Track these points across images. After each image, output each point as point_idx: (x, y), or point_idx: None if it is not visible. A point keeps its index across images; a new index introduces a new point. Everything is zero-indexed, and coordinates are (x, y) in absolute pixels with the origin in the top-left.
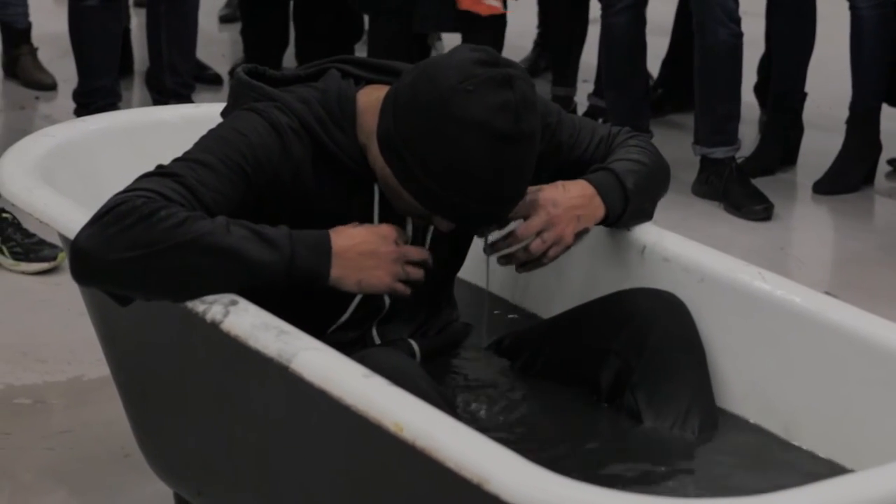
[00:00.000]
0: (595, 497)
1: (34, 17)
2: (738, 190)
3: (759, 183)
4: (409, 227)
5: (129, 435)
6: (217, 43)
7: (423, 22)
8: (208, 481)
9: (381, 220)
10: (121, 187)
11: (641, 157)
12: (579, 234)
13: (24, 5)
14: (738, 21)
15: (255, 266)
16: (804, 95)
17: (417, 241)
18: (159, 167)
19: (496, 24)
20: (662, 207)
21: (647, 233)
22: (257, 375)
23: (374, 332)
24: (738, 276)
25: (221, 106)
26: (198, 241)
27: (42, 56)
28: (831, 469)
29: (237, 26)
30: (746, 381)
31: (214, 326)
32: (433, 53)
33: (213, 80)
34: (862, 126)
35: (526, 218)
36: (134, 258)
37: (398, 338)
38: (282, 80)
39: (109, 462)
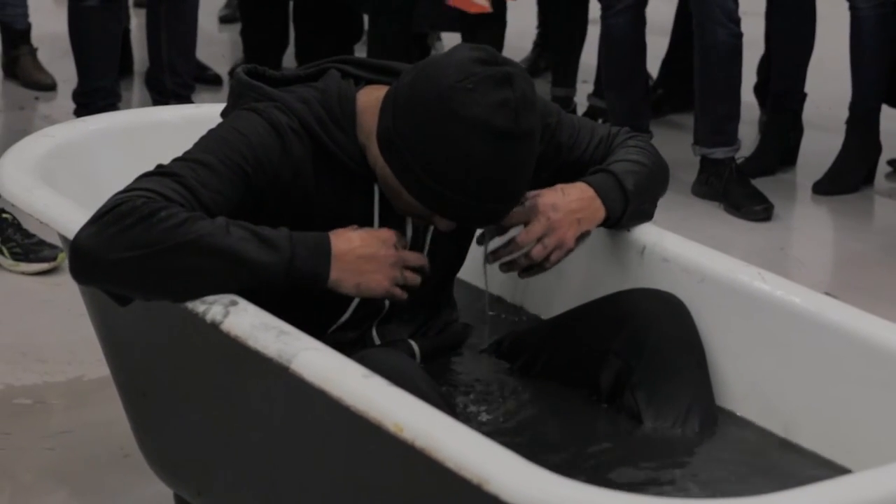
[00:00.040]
0: (595, 497)
1: (34, 17)
2: (738, 190)
3: (759, 183)
4: (409, 228)
5: (129, 435)
6: (217, 43)
7: (423, 22)
8: (208, 482)
9: (382, 220)
10: (120, 188)
11: (641, 157)
12: (581, 238)
13: (24, 6)
14: (737, 21)
15: (255, 267)
16: (804, 96)
17: (417, 241)
18: (159, 167)
19: (496, 24)
20: (662, 208)
21: (647, 233)
22: (257, 376)
23: (374, 333)
24: (738, 276)
25: (221, 106)
26: (197, 241)
27: (42, 56)
28: (831, 469)
29: (237, 27)
30: (746, 382)
31: (214, 327)
32: (433, 53)
33: (212, 81)
34: (862, 126)
35: (526, 224)
36: (133, 258)
37: (398, 338)
38: (282, 80)
39: (109, 462)
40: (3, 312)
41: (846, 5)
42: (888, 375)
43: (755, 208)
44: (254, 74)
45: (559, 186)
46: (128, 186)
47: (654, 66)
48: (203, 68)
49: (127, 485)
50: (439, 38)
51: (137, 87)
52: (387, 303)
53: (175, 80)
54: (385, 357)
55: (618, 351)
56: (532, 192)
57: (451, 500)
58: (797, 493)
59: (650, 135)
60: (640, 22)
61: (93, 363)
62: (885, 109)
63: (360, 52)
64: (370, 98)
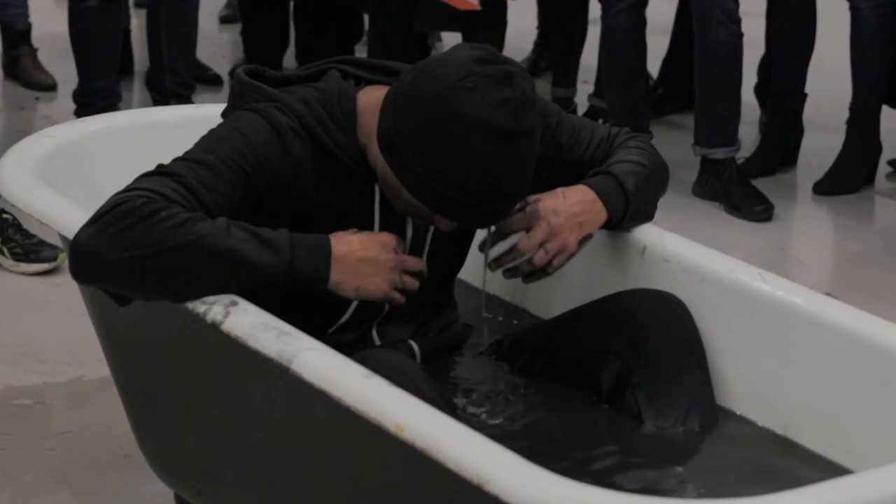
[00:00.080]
0: (595, 497)
1: (34, 17)
2: (739, 191)
3: (760, 184)
4: (409, 228)
5: (129, 436)
6: (217, 44)
7: (423, 21)
8: (208, 482)
9: (382, 221)
10: (121, 188)
11: (641, 158)
12: (583, 241)
13: (24, 6)
14: (738, 21)
15: (255, 268)
16: (804, 96)
17: (417, 241)
18: (160, 167)
19: (496, 24)
20: (662, 208)
21: (648, 234)
22: (258, 376)
23: (374, 333)
24: (739, 276)
25: (221, 106)
26: (198, 242)
27: (42, 57)
28: (831, 470)
29: (237, 27)
30: (746, 382)
31: (215, 327)
32: (433, 53)
33: (213, 81)
34: (862, 127)
35: (527, 230)
36: (133, 258)
37: (398, 339)
38: (282, 80)
39: (110, 463)
40: (3, 313)
41: (846, 5)
42: (888, 375)
43: (755, 208)
44: (254, 75)
45: (560, 190)
46: (128, 186)
47: (654, 66)
48: (203, 68)
49: (127, 485)
50: (439, 39)
51: (138, 88)
52: (386, 304)
53: (175, 81)
54: (385, 357)
55: (618, 351)
56: (533, 197)
57: (451, 500)
58: (797, 494)
59: (650, 135)
60: (640, 22)
61: (93, 363)
62: (886, 110)
63: (361, 52)
64: (370, 98)
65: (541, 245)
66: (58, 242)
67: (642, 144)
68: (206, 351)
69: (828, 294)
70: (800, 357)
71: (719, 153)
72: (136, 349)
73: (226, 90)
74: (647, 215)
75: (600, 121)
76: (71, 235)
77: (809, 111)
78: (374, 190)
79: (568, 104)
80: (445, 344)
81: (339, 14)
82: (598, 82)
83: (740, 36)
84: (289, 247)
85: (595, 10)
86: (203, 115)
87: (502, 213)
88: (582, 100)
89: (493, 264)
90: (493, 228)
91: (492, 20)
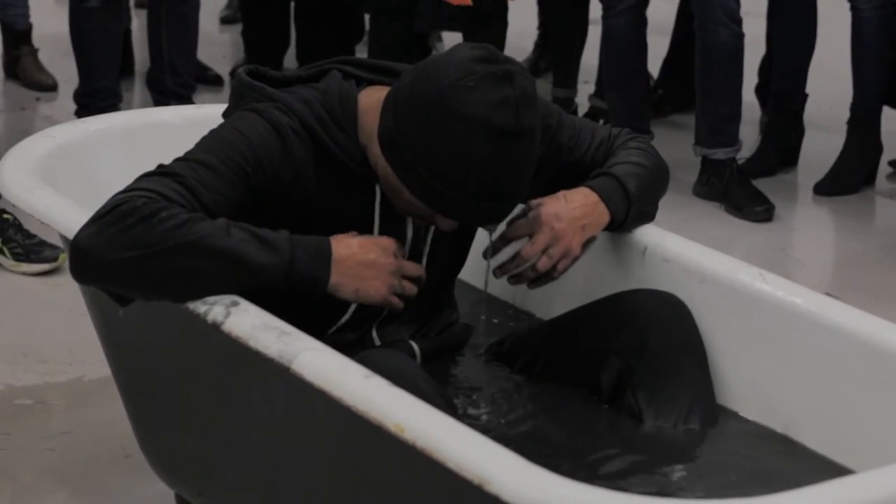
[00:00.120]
0: (595, 497)
1: (35, 17)
2: (739, 191)
3: (760, 184)
4: (410, 229)
5: (129, 435)
6: (218, 44)
7: (423, 21)
8: (209, 482)
9: (382, 221)
10: (121, 188)
11: (642, 159)
12: (586, 243)
13: (25, 6)
14: (739, 22)
15: (255, 269)
16: (805, 96)
17: (418, 242)
18: (160, 167)
19: (497, 24)
20: (663, 208)
21: (648, 234)
22: (258, 376)
23: (374, 334)
24: (739, 277)
25: (222, 107)
26: (198, 242)
27: (43, 57)
28: (832, 470)
29: (238, 27)
30: (747, 382)
31: (216, 327)
32: (434, 53)
33: (213, 81)
34: (863, 127)
35: (530, 236)
36: (133, 258)
37: (398, 339)
38: (283, 80)
39: (110, 463)
40: (3, 313)
41: (847, 6)
42: (889, 376)
43: (756, 209)
44: (255, 75)
45: (561, 193)
46: (128, 186)
47: (654, 66)
48: (204, 69)
49: (128, 485)
50: (440, 39)
51: (138, 88)
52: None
53: (176, 81)
54: (386, 357)
55: (619, 351)
56: (535, 202)
57: (451, 500)
58: (798, 494)
59: (651, 135)
60: (641, 22)
61: (93, 363)
62: (886, 110)
63: (361, 52)
64: (371, 99)
65: (544, 251)
66: (58, 243)
67: (643, 145)
68: (206, 351)
69: (828, 294)
70: (800, 357)
71: (720, 153)
72: (137, 349)
73: (226, 90)
74: (648, 216)
75: (601, 121)
76: (72, 235)
77: (810, 111)
78: (374, 190)
79: (569, 104)
80: (446, 344)
81: (340, 14)
82: (598, 83)
83: (741, 36)
84: (289, 248)
85: (595, 10)
86: (204, 116)
87: (503, 213)
88: (583, 100)
89: (497, 271)
90: (494, 234)
91: (492, 20)
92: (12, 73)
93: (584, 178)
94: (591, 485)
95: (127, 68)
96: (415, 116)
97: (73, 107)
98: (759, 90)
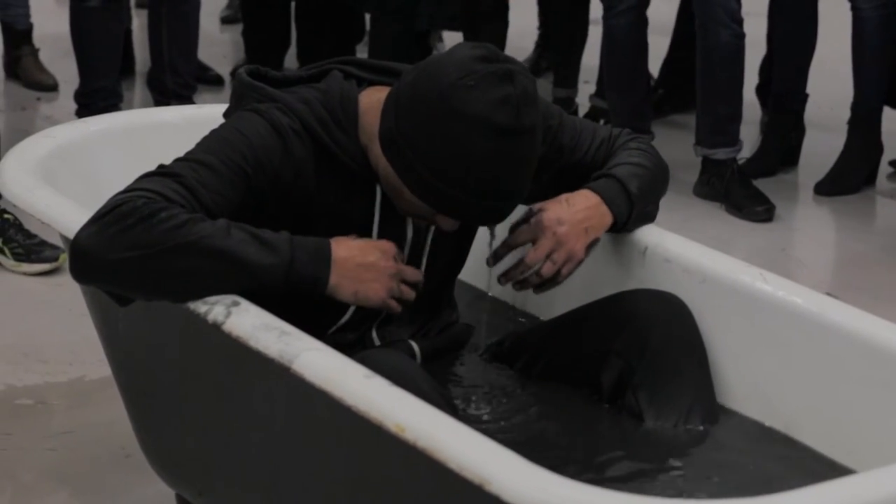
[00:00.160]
0: (596, 498)
1: (35, 17)
2: (740, 191)
3: (761, 184)
4: (410, 229)
5: (130, 435)
6: (218, 44)
7: (423, 20)
8: (209, 482)
9: (382, 222)
10: (122, 188)
11: (642, 160)
12: (590, 246)
13: (26, 6)
14: (740, 22)
15: (255, 269)
16: (805, 96)
17: (418, 242)
18: (160, 167)
19: (498, 23)
20: (664, 209)
21: (649, 234)
22: (259, 376)
23: (374, 334)
24: (740, 277)
25: (223, 107)
26: (197, 243)
27: (43, 57)
28: (833, 470)
29: (239, 27)
30: (748, 382)
31: (216, 327)
32: (434, 53)
33: (214, 81)
34: (863, 127)
35: (533, 242)
36: (133, 258)
37: (398, 339)
38: (284, 81)
39: (111, 462)
40: (4, 313)
41: (848, 6)
42: (889, 376)
43: (757, 209)
44: (256, 75)
45: (563, 197)
46: (129, 186)
47: (654, 66)
48: (204, 69)
49: (128, 485)
50: (441, 39)
51: (139, 88)
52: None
53: (176, 81)
54: (386, 358)
55: (619, 351)
56: (536, 207)
57: (452, 500)
58: (798, 494)
59: (652, 135)
60: (641, 22)
61: (94, 363)
62: (887, 110)
63: (362, 52)
64: (372, 99)
65: (548, 256)
66: (59, 242)
67: (643, 146)
68: (207, 351)
69: (829, 294)
70: (801, 357)
71: (721, 153)
72: (137, 349)
73: (227, 90)
74: (649, 216)
75: (601, 121)
76: (72, 235)
77: (811, 111)
78: (375, 191)
79: (569, 104)
80: (446, 344)
81: (341, 14)
82: (599, 82)
83: (742, 36)
84: (289, 248)
85: (596, 10)
86: (204, 116)
87: (504, 212)
88: (583, 100)
89: (502, 279)
90: (495, 242)
91: (493, 19)
92: (13, 73)
93: (584, 179)
94: (592, 485)
95: (127, 68)
96: (415, 115)
97: (73, 107)
98: (760, 90)
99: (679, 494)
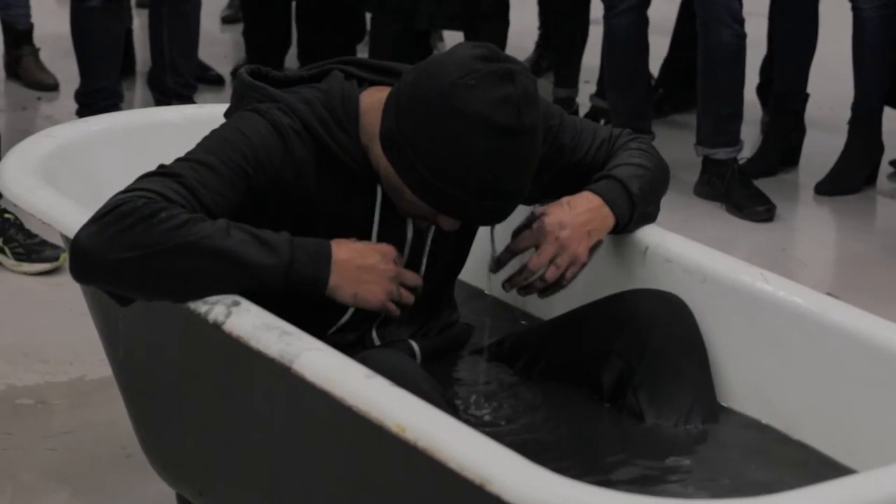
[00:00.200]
0: (597, 498)
1: (36, 17)
2: (740, 191)
3: (761, 184)
4: (410, 230)
5: (130, 435)
6: (219, 44)
7: (423, 19)
8: (210, 481)
9: (382, 222)
10: (122, 188)
11: (643, 160)
12: (593, 248)
13: (26, 6)
14: (741, 22)
15: (254, 269)
16: (806, 96)
17: (418, 242)
18: (161, 167)
19: (499, 23)
20: (664, 208)
21: (650, 234)
22: (259, 376)
23: (374, 334)
24: (740, 276)
25: (223, 107)
26: (197, 243)
27: (44, 56)
28: (833, 470)
29: (239, 27)
30: (748, 382)
31: (217, 327)
32: (435, 53)
33: (215, 81)
34: (864, 127)
35: (536, 247)
36: (133, 258)
37: (398, 339)
38: (285, 81)
39: (111, 462)
40: (5, 312)
41: (848, 6)
42: (890, 375)
43: (757, 209)
44: (257, 75)
45: (565, 200)
46: (129, 186)
47: (654, 65)
48: (205, 68)
49: (129, 484)
50: (441, 38)
51: (139, 88)
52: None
53: (177, 81)
54: (386, 358)
55: (620, 351)
56: (538, 211)
57: (453, 500)
58: (799, 494)
59: (652, 135)
60: (642, 22)
61: (94, 363)
62: (888, 110)
63: (363, 52)
64: (373, 99)
65: (551, 261)
66: (60, 242)
67: (644, 146)
68: (207, 351)
69: (829, 294)
70: (801, 357)
71: (722, 153)
72: (138, 349)
73: (228, 90)
74: (650, 217)
75: (602, 121)
76: (73, 235)
77: (811, 111)
78: (375, 191)
79: (570, 104)
80: (446, 344)
81: (341, 14)
82: (599, 82)
83: (744, 36)
84: (289, 249)
85: (596, 10)
86: (205, 116)
87: (504, 211)
88: (584, 100)
89: (506, 285)
90: (494, 234)
91: (493, 19)
92: (14, 73)
93: (585, 179)
94: (592, 484)
95: (128, 68)
96: (416, 115)
97: (74, 106)
98: (761, 90)
99: (679, 494)
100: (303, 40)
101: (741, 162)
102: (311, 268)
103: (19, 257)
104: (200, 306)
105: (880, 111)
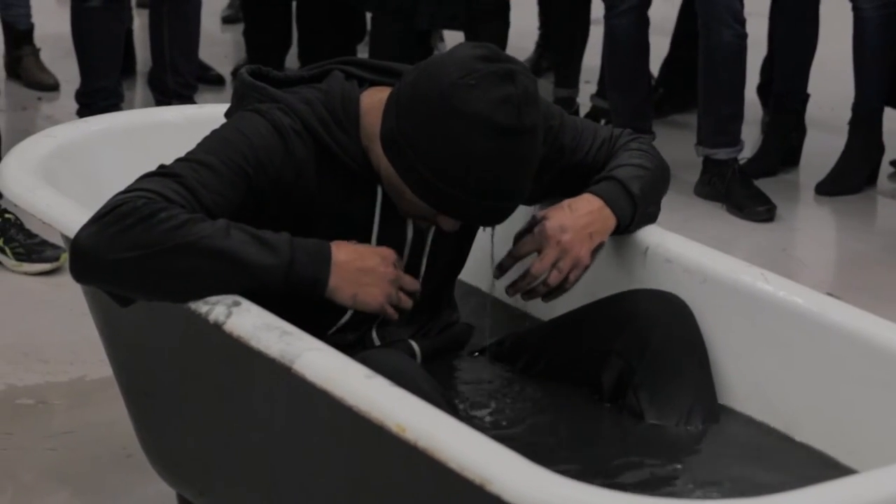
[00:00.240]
0: (597, 497)
1: (36, 17)
2: (741, 191)
3: (762, 184)
4: (410, 230)
5: (131, 435)
6: (220, 44)
7: (423, 19)
8: (210, 481)
9: (382, 222)
10: (122, 188)
11: (644, 161)
12: (596, 250)
13: (27, 6)
14: (742, 22)
15: (254, 270)
16: (807, 96)
17: (418, 243)
18: (161, 167)
19: (499, 23)
20: (665, 209)
21: (650, 234)
22: (260, 376)
23: (374, 335)
24: (741, 277)
25: (224, 107)
26: (197, 243)
27: (44, 57)
28: (834, 470)
29: (240, 27)
30: (749, 382)
31: (217, 327)
32: (436, 53)
33: (215, 81)
34: (865, 127)
35: (538, 251)
36: (133, 259)
37: (398, 339)
38: (285, 81)
39: (112, 462)
40: (5, 312)
41: (849, 6)
42: (890, 375)
43: (758, 209)
44: (257, 75)
45: (566, 203)
46: (129, 187)
47: (654, 65)
48: (206, 68)
49: (129, 484)
50: (442, 39)
51: (140, 88)
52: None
53: (177, 81)
54: (387, 358)
55: (620, 351)
56: (539, 215)
57: (453, 500)
58: (799, 494)
59: (653, 135)
60: (643, 22)
61: (95, 363)
62: (888, 110)
63: (363, 51)
64: (373, 100)
65: (553, 265)
66: (60, 242)
67: (644, 146)
68: (208, 351)
69: (830, 294)
70: (802, 357)
71: (722, 153)
72: (138, 349)
73: (228, 90)
74: (651, 217)
75: (602, 121)
76: (73, 235)
77: (812, 111)
78: (375, 191)
79: (570, 104)
80: (446, 344)
81: (342, 14)
82: (600, 82)
83: (745, 37)
84: (289, 249)
85: (597, 10)
86: (205, 116)
87: (504, 212)
88: (584, 100)
89: (509, 290)
90: (494, 234)
91: (494, 19)
92: (14, 73)
93: (585, 180)
94: (593, 484)
95: (128, 68)
96: (416, 115)
97: (74, 106)
98: (761, 90)
99: (680, 494)
100: (303, 40)
101: (742, 162)
102: (311, 268)
103: (20, 257)
104: (201, 306)
105: (881, 111)
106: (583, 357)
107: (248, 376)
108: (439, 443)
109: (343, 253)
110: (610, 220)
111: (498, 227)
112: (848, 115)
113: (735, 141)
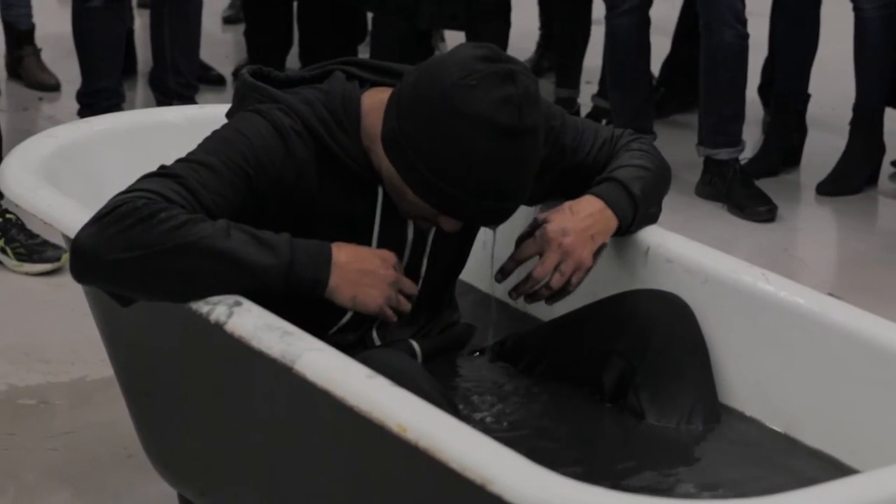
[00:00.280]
0: (597, 497)
1: (38, 17)
2: (742, 191)
3: (763, 184)
4: (410, 231)
5: (132, 435)
6: (220, 44)
7: (424, 19)
8: (211, 481)
9: (383, 223)
10: (123, 188)
11: (645, 161)
12: (598, 251)
13: (28, 6)
14: (744, 22)
15: (254, 270)
16: (808, 96)
17: (419, 243)
18: (161, 168)
19: (500, 23)
20: (666, 209)
21: (651, 234)
22: (261, 376)
23: (374, 335)
24: (742, 277)
25: (225, 107)
26: (197, 243)
27: (45, 57)
28: (835, 470)
29: (241, 27)
30: (750, 382)
31: (218, 327)
32: (436, 54)
33: (216, 81)
34: (866, 127)
35: (540, 255)
36: (133, 259)
37: (399, 339)
38: (286, 81)
39: (113, 462)
40: (6, 313)
41: (850, 6)
42: (891, 375)
43: (759, 209)
44: (258, 76)
45: (567, 205)
46: (129, 187)
47: (655, 65)
48: (206, 69)
49: (130, 484)
50: (443, 39)
51: (141, 88)
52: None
53: (178, 81)
54: (387, 358)
55: (621, 351)
56: (541, 218)
57: (454, 500)
58: (801, 494)
59: (654, 136)
60: (644, 23)
61: (96, 363)
62: (889, 110)
63: (364, 52)
64: (374, 100)
65: (556, 268)
66: (61, 243)
67: (645, 147)
68: (209, 351)
69: (831, 294)
70: (803, 357)
71: (723, 154)
72: (140, 349)
73: (229, 90)
74: (652, 217)
75: (604, 121)
76: (74, 235)
77: (813, 112)
78: (376, 192)
79: (571, 105)
80: (447, 344)
81: (343, 14)
82: (601, 83)
83: (746, 37)
84: (289, 250)
85: (598, 10)
86: (206, 116)
87: (505, 212)
88: (585, 100)
89: (512, 293)
90: (496, 234)
91: (494, 19)
92: (15, 73)
93: (587, 180)
94: (593, 485)
95: (130, 68)
96: (417, 115)
97: (75, 107)
98: (762, 90)
99: (680, 494)
100: (304, 40)
101: (743, 162)
102: (311, 269)
103: (21, 257)
104: (202, 306)
105: (882, 111)
106: (584, 357)
107: (249, 376)
108: (440, 443)
109: (344, 254)
110: (611, 222)
111: (500, 231)
112: (849, 115)
113: (736, 141)
